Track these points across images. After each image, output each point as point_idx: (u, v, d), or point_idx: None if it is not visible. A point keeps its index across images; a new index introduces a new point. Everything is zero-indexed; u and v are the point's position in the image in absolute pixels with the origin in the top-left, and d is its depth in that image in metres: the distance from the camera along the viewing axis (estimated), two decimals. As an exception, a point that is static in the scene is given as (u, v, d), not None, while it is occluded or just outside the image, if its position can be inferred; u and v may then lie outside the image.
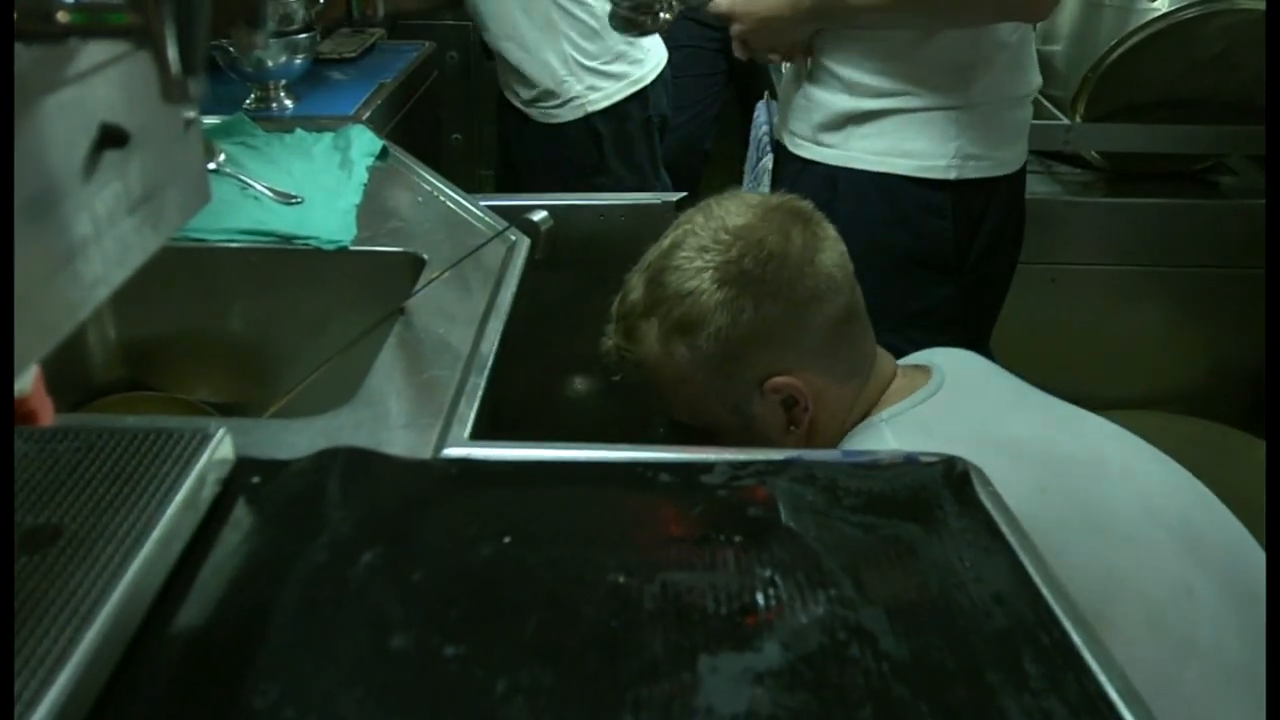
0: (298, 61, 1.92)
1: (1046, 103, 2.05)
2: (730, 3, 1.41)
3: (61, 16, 0.59)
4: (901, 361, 1.21)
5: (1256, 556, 1.00)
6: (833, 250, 1.08)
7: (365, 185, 1.54)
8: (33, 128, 0.65)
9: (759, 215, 1.06)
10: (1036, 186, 2.00)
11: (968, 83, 1.35)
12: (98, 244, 0.72)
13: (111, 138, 0.72)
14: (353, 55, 2.24)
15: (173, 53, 0.59)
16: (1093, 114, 1.98)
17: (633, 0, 1.40)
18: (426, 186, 1.54)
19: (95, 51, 0.69)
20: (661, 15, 1.41)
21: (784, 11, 1.38)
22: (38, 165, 0.66)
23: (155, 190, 0.80)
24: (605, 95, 2.10)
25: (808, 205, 1.10)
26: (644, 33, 1.42)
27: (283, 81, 1.92)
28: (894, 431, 1.00)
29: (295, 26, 1.91)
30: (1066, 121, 1.99)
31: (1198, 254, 2.03)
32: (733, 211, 1.06)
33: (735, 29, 1.42)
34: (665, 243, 1.08)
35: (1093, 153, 2.08)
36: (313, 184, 1.52)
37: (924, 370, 1.11)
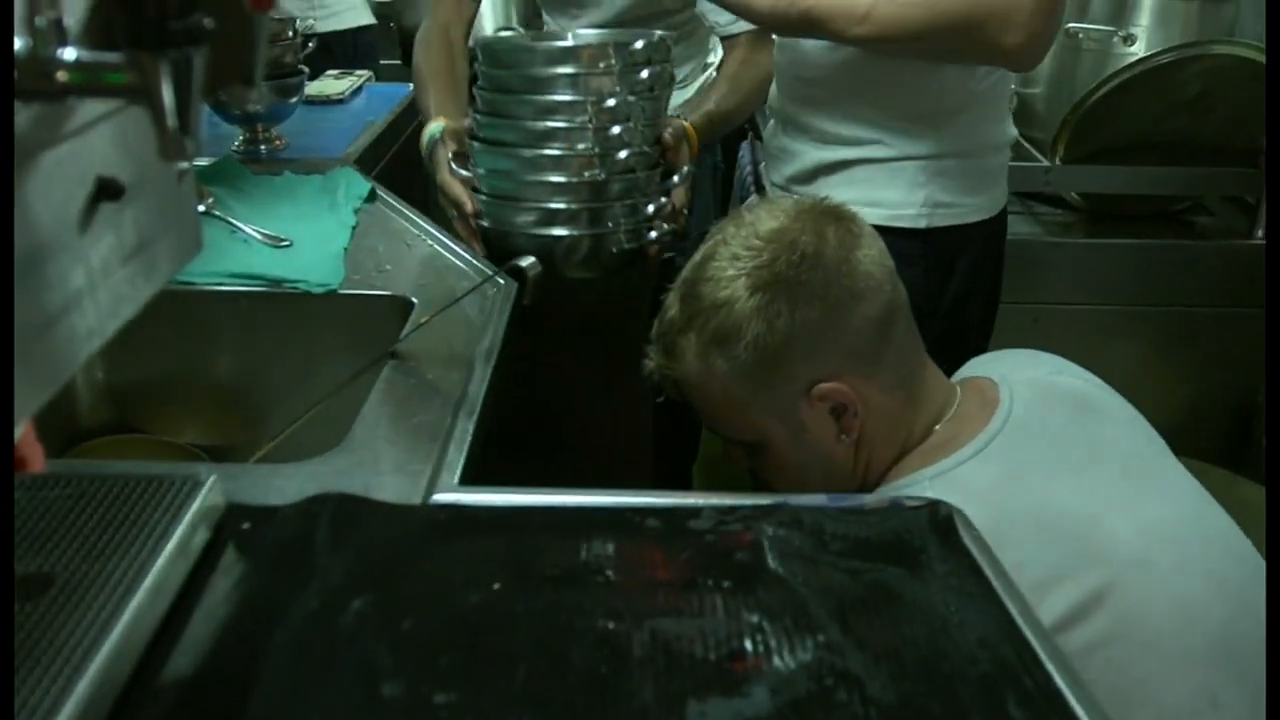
0: (287, 104, 1.94)
1: (1027, 144, 2.07)
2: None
3: (60, 75, 0.61)
4: (974, 366, 1.20)
5: None
6: (870, 247, 1.06)
7: (354, 228, 1.55)
8: (30, 184, 0.66)
9: (791, 217, 1.05)
10: (1018, 227, 2.02)
11: (936, 132, 1.35)
12: (91, 296, 0.73)
13: (107, 191, 0.73)
14: (341, 97, 2.26)
15: (170, 112, 0.60)
16: (1072, 156, 2.00)
17: None
18: (414, 230, 1.55)
19: (92, 105, 0.70)
20: None
21: (774, 5, 1.32)
22: (34, 220, 0.67)
23: (148, 240, 0.81)
24: None
25: (842, 205, 1.09)
26: None
27: (272, 124, 1.94)
28: (936, 494, 0.95)
29: (285, 69, 1.93)
30: (1046, 163, 2.01)
31: (1177, 293, 2.05)
32: (764, 217, 1.06)
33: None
34: (699, 256, 1.07)
35: (1073, 194, 2.11)
36: (301, 227, 1.53)
37: (990, 397, 1.09)
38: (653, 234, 1.45)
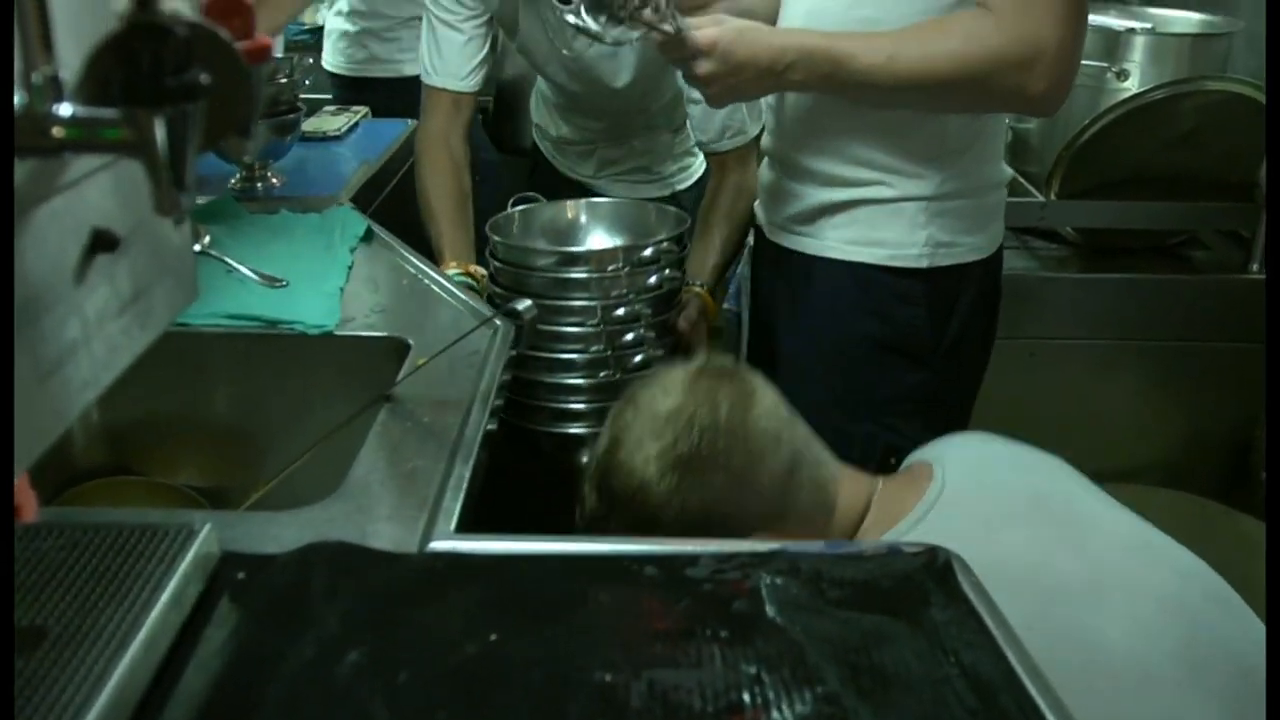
0: (284, 142, 1.94)
1: (1022, 179, 2.08)
2: (715, 36, 1.27)
3: (56, 131, 0.60)
4: (911, 458, 1.22)
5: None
6: (764, 399, 1.10)
7: (350, 268, 1.55)
8: (25, 238, 0.66)
9: (685, 391, 1.08)
10: (1014, 262, 2.02)
11: (938, 172, 1.35)
12: (86, 348, 0.72)
13: (102, 243, 0.73)
14: (337, 134, 2.27)
15: (165, 167, 0.60)
16: (1067, 191, 2.01)
17: None
18: (410, 269, 1.55)
19: (89, 157, 0.70)
20: (638, 13, 1.27)
21: (770, 64, 1.28)
22: (29, 274, 0.67)
23: (144, 289, 0.81)
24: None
25: (729, 363, 1.13)
26: (610, 18, 1.29)
27: (269, 162, 1.94)
28: None
29: (282, 106, 1.93)
30: (1041, 199, 2.02)
31: (1173, 328, 2.05)
32: (659, 396, 1.08)
33: (704, 67, 1.29)
34: (604, 443, 1.10)
35: (1068, 228, 2.11)
36: (297, 267, 1.53)
37: (925, 475, 1.12)
38: None
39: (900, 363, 1.39)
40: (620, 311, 1.45)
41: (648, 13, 1.27)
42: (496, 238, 1.53)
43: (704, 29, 1.29)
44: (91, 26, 0.69)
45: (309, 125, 2.22)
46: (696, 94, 1.67)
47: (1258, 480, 2.10)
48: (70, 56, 0.64)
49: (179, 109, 0.59)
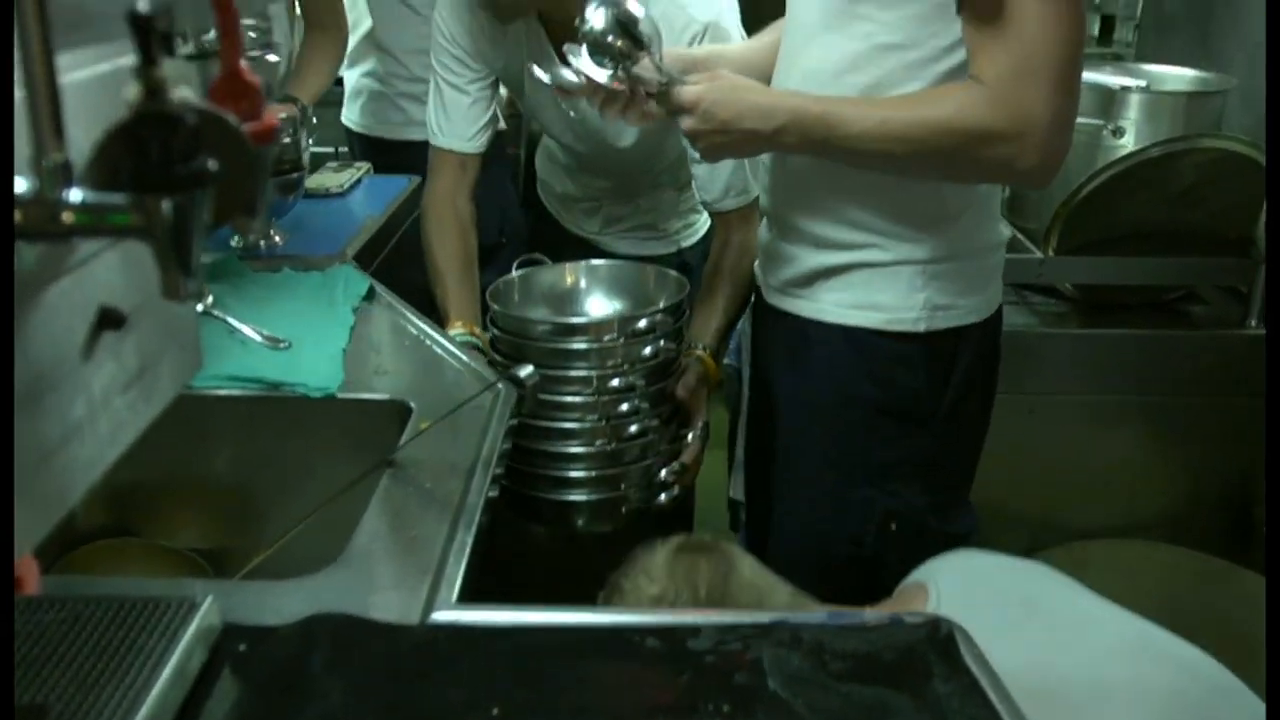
0: (287, 200, 1.96)
1: (1020, 235, 2.09)
2: (699, 94, 1.29)
3: (66, 217, 0.61)
4: (905, 582, 1.23)
5: None
6: (741, 574, 1.13)
7: (352, 328, 1.56)
8: (33, 318, 0.66)
9: (666, 575, 1.12)
10: (1013, 318, 2.02)
11: (934, 235, 1.35)
12: (92, 425, 0.73)
13: (109, 320, 0.73)
14: (340, 190, 2.28)
15: (172, 252, 0.61)
16: (1065, 247, 2.02)
17: (601, 29, 1.32)
18: (413, 330, 1.55)
19: (96, 237, 0.71)
20: (622, 62, 1.32)
21: (756, 125, 1.29)
22: (36, 353, 0.67)
23: (149, 364, 0.82)
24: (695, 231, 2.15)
25: (706, 539, 1.18)
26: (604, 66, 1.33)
27: (271, 220, 1.95)
28: None
29: (285, 165, 1.95)
30: (1040, 255, 2.03)
31: (1172, 383, 2.06)
32: (642, 584, 1.12)
33: (688, 123, 1.30)
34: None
35: (1067, 284, 2.12)
36: (300, 327, 1.54)
37: (920, 596, 1.13)
38: (663, 496, 1.56)
39: (899, 427, 1.39)
40: (615, 382, 1.46)
41: (638, 65, 1.30)
42: (496, 306, 1.54)
43: (691, 86, 1.30)
44: (102, 111, 0.70)
45: (311, 182, 2.23)
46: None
47: (1259, 535, 2.10)
48: (80, 138, 0.65)
49: (187, 196, 0.60)
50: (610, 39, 1.31)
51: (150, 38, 0.57)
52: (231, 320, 1.55)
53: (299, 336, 1.51)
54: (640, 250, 2.09)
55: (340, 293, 1.66)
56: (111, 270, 0.74)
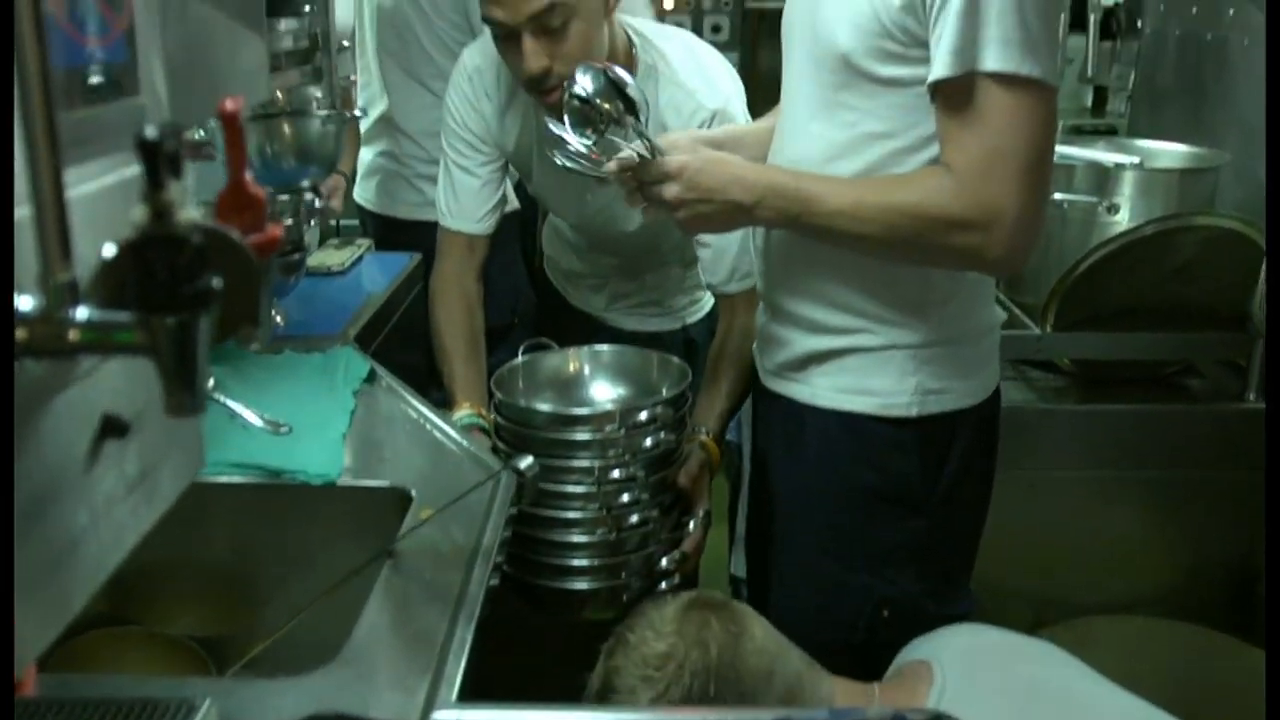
0: (289, 281, 1.97)
1: (1018, 310, 2.10)
2: (683, 162, 1.30)
3: (72, 335, 0.62)
4: (905, 655, 1.23)
5: None
6: (753, 637, 1.12)
7: (353, 412, 1.56)
8: (36, 431, 0.67)
9: (675, 630, 1.10)
10: (1011, 393, 2.03)
11: (924, 320, 1.36)
12: (94, 534, 0.73)
13: (112, 429, 0.74)
14: (341, 268, 2.30)
15: (176, 370, 0.62)
16: (1062, 323, 2.03)
17: (579, 102, 1.34)
18: (412, 413, 1.56)
19: (100, 347, 0.71)
20: (603, 129, 1.34)
21: (739, 196, 1.30)
22: (39, 466, 0.67)
23: (152, 468, 0.82)
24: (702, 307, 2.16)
25: (718, 596, 1.16)
26: (594, 132, 1.34)
27: (273, 300, 1.96)
28: None
29: (287, 246, 1.96)
30: (1037, 331, 2.04)
31: (1173, 457, 2.06)
32: (649, 637, 1.11)
33: (671, 191, 1.30)
34: (597, 685, 1.12)
35: (1065, 359, 2.13)
36: (301, 411, 1.54)
37: (924, 676, 1.13)
38: (664, 584, 1.55)
39: (895, 511, 1.39)
40: (617, 474, 1.46)
41: (624, 132, 1.32)
42: (500, 394, 1.54)
43: (675, 154, 1.32)
44: (108, 224, 0.71)
45: (313, 259, 2.25)
46: (705, 236, 1.71)
47: (1262, 609, 2.09)
48: (86, 250, 0.66)
49: (192, 315, 0.61)
50: (591, 107, 1.33)
51: (158, 161, 0.58)
52: (232, 404, 1.55)
53: (300, 421, 1.51)
54: (645, 326, 2.10)
55: (341, 376, 1.67)
56: (114, 376, 0.74)
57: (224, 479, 1.39)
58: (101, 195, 0.73)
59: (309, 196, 2.15)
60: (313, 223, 2.06)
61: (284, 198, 2.01)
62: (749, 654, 1.10)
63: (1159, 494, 2.08)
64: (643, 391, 1.65)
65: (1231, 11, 2.34)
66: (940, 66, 1.19)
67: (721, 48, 3.62)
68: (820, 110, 1.34)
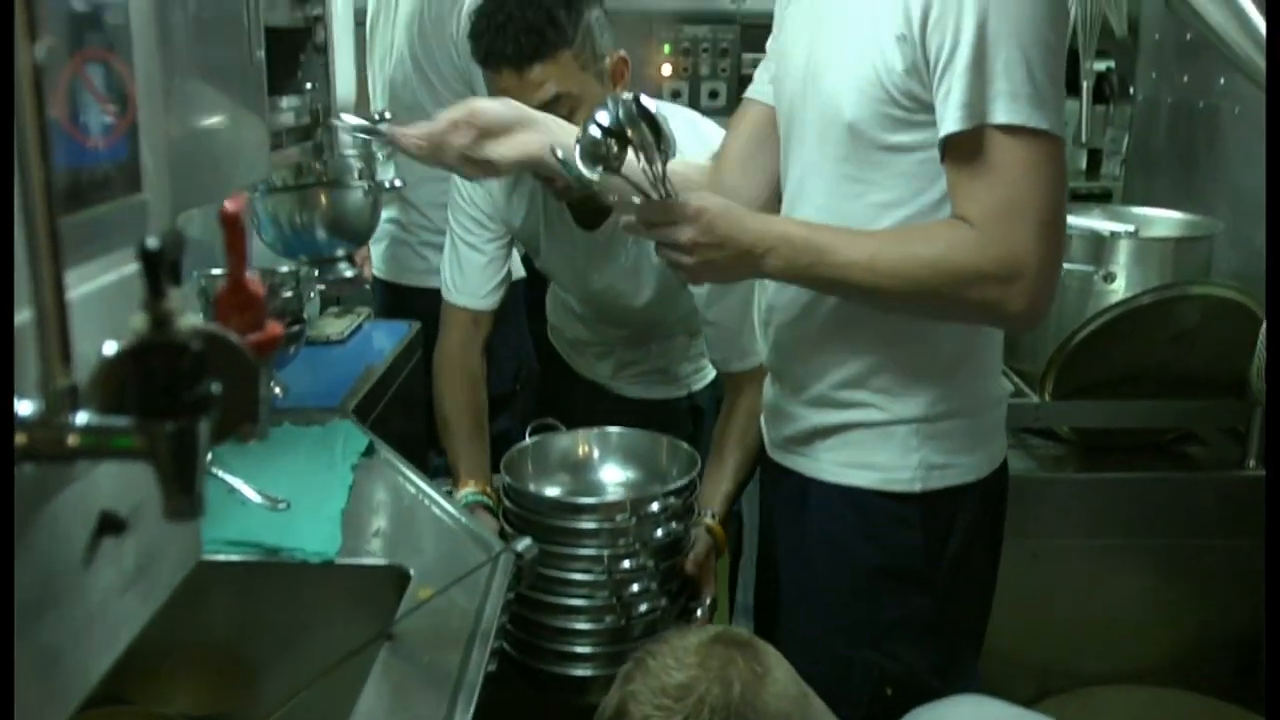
0: (288, 353, 1.97)
1: (1016, 378, 2.10)
2: (703, 205, 1.27)
3: (71, 440, 0.62)
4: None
5: None
6: (776, 680, 1.09)
7: (351, 487, 1.56)
8: (35, 533, 0.67)
9: (698, 663, 1.07)
10: (1012, 462, 1.98)
11: (928, 394, 1.36)
12: (89, 633, 0.73)
13: (110, 526, 0.74)
14: (340, 338, 2.30)
15: (175, 475, 0.62)
16: (1061, 391, 2.03)
17: (601, 133, 1.28)
18: (411, 489, 1.56)
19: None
20: (616, 165, 1.29)
21: (751, 244, 1.28)
22: (38, 567, 0.67)
23: (149, 562, 0.82)
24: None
25: (744, 633, 1.13)
26: (606, 168, 1.29)
27: (272, 372, 1.97)
28: None
29: (287, 319, 1.96)
30: (1036, 400, 2.04)
31: (1175, 525, 2.05)
32: (670, 666, 1.08)
33: (687, 234, 1.27)
34: (613, 707, 1.10)
35: (1065, 427, 2.13)
36: (299, 486, 1.54)
37: None
38: None
39: (900, 588, 1.38)
40: (626, 564, 1.46)
41: (639, 171, 1.28)
42: (508, 479, 1.54)
43: (693, 196, 1.30)
44: (108, 323, 0.71)
45: (312, 329, 2.25)
46: (711, 314, 1.71)
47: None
48: (87, 349, 0.66)
49: (191, 420, 0.61)
50: (608, 137, 1.27)
51: (159, 271, 0.58)
52: (230, 479, 1.55)
53: (298, 496, 1.51)
54: (651, 394, 2.10)
55: (340, 450, 1.66)
56: (112, 473, 0.74)
57: (221, 557, 1.38)
58: (102, 294, 0.73)
59: (342, 266, 2.17)
60: (313, 295, 2.06)
61: (284, 269, 2.02)
62: (771, 696, 1.06)
63: (1163, 563, 2.07)
64: (652, 476, 1.66)
65: (1222, 80, 2.37)
66: (950, 122, 1.20)
67: (718, 113, 3.68)
68: (826, 181, 1.34)
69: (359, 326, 2.40)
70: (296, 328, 1.98)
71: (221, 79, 1.25)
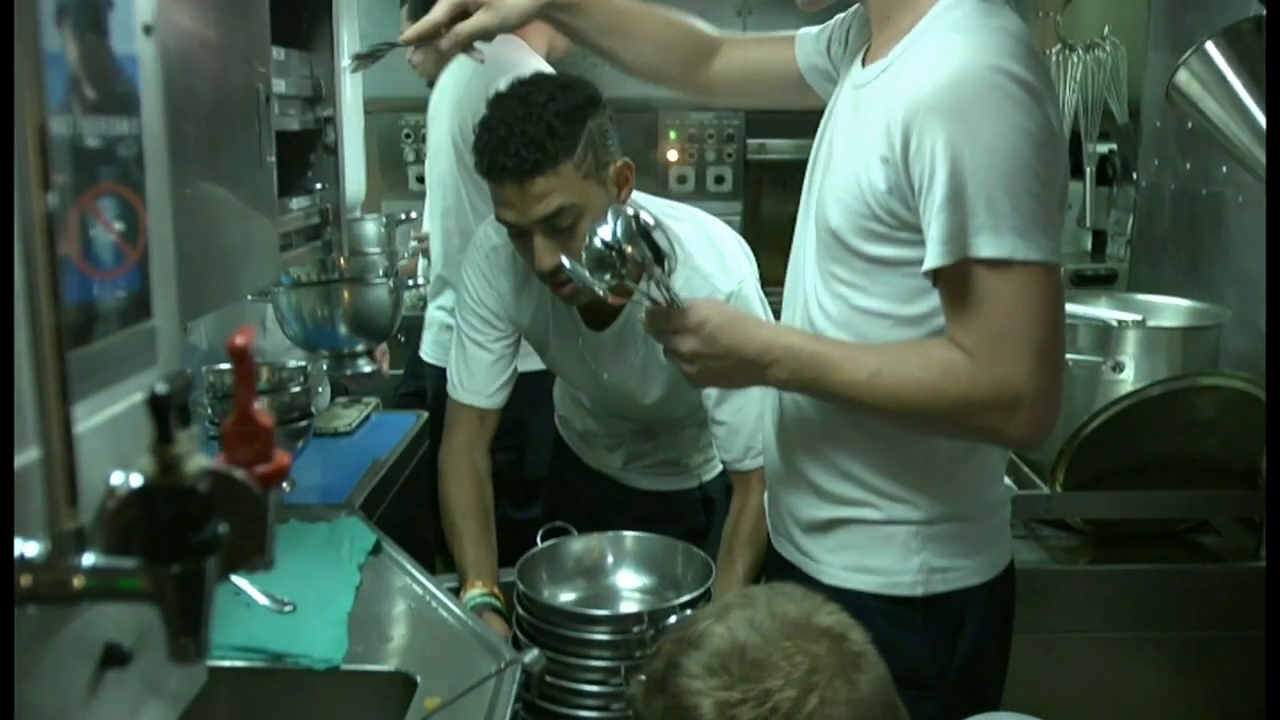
0: (295, 447, 1.97)
1: (1027, 469, 2.09)
2: (705, 316, 1.29)
3: (77, 582, 0.62)
4: None
5: None
6: (861, 697, 1.02)
7: (358, 588, 1.55)
8: (39, 668, 0.66)
9: (796, 644, 1.00)
10: (1024, 554, 2.01)
11: (929, 496, 1.34)
12: (93, 764, 0.71)
13: (114, 658, 0.73)
14: (348, 430, 2.30)
15: (180, 616, 0.61)
16: (1072, 482, 2.01)
17: (603, 246, 1.30)
18: (419, 590, 1.54)
19: (104, 574, 0.70)
20: (623, 274, 1.31)
21: (755, 355, 1.28)
22: (40, 702, 0.66)
23: (154, 688, 0.81)
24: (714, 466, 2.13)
25: (858, 637, 1.04)
26: (613, 275, 1.31)
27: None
28: None
29: (295, 414, 1.96)
30: (1047, 491, 2.02)
31: (1190, 617, 2.02)
32: (766, 627, 1.01)
33: (689, 344, 1.29)
34: (696, 630, 1.04)
35: (1077, 518, 2.11)
36: (305, 587, 1.52)
37: None
38: None
39: (906, 694, 1.34)
40: (644, 678, 1.44)
41: (645, 278, 1.30)
42: (522, 587, 1.53)
43: (697, 307, 1.31)
44: (115, 452, 0.71)
45: (321, 422, 2.25)
46: (721, 414, 1.71)
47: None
48: (94, 479, 0.65)
49: (197, 563, 0.60)
50: (614, 253, 1.30)
51: (167, 416, 0.58)
52: (237, 579, 1.53)
53: (304, 598, 1.50)
54: (662, 485, 2.09)
55: (346, 550, 1.65)
56: (119, 607, 0.73)
57: (226, 663, 1.36)
58: (111, 424, 0.73)
59: (361, 361, 2.18)
60: (320, 390, 2.07)
61: (294, 363, 2.03)
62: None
63: (1179, 655, 2.03)
64: (666, 582, 1.65)
65: (1224, 169, 2.38)
66: (932, 257, 1.19)
67: (725, 198, 3.73)
68: (818, 279, 1.35)
69: (367, 417, 2.40)
70: (304, 423, 1.98)
71: (233, 186, 1.27)
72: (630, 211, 1.30)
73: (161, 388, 0.57)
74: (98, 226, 0.71)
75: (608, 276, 1.31)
